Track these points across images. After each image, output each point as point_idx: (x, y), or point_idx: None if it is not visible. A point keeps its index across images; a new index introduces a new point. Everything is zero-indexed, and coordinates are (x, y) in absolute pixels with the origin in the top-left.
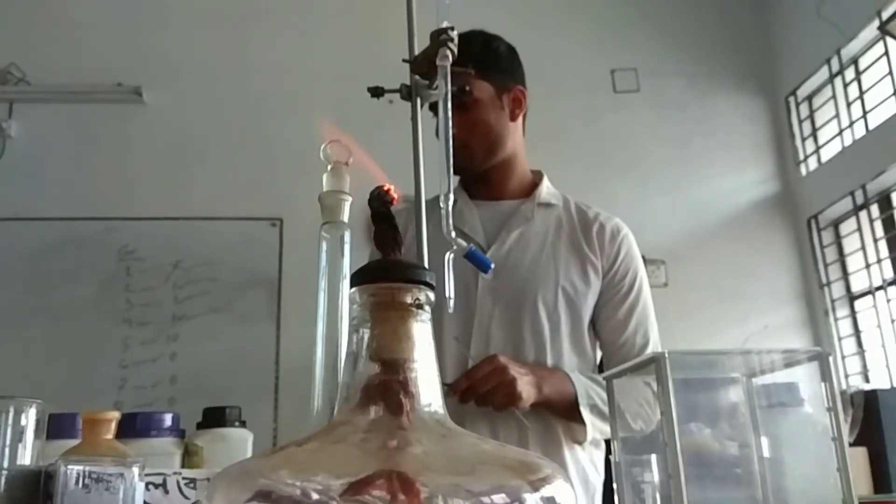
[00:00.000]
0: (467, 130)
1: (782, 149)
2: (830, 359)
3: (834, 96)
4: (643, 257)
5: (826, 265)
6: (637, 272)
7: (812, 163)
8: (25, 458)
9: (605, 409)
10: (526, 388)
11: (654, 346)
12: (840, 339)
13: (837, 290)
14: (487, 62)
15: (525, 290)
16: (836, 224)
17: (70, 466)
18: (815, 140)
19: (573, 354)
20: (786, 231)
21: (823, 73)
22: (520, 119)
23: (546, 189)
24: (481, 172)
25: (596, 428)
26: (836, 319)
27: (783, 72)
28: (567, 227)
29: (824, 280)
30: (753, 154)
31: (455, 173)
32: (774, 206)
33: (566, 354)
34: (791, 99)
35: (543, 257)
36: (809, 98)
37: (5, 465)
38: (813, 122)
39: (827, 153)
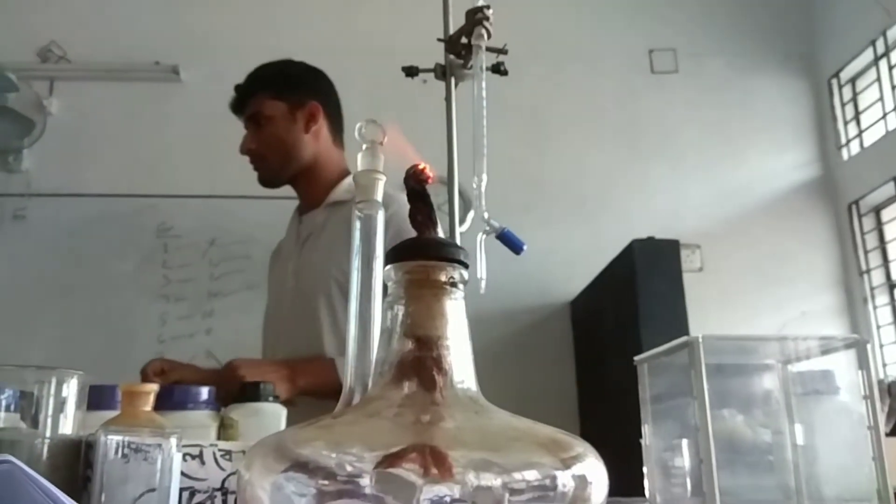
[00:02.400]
0: (263, 145)
1: (823, 132)
2: (868, 346)
3: (878, 79)
4: (677, 241)
5: (866, 252)
6: None
7: (854, 147)
8: (67, 427)
9: None
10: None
11: None
12: (879, 327)
13: (877, 277)
14: (280, 84)
15: (309, 288)
16: (877, 210)
17: (110, 437)
18: (858, 124)
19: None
20: (825, 216)
21: (868, 55)
22: (323, 130)
23: (342, 188)
24: (291, 184)
25: None
26: (874, 307)
27: (826, 53)
28: (348, 221)
29: (864, 267)
30: (794, 137)
31: (260, 184)
32: (814, 190)
33: (328, 338)
34: (834, 81)
35: (324, 256)
36: (853, 80)
37: (48, 434)
38: (856, 105)
39: (870, 137)
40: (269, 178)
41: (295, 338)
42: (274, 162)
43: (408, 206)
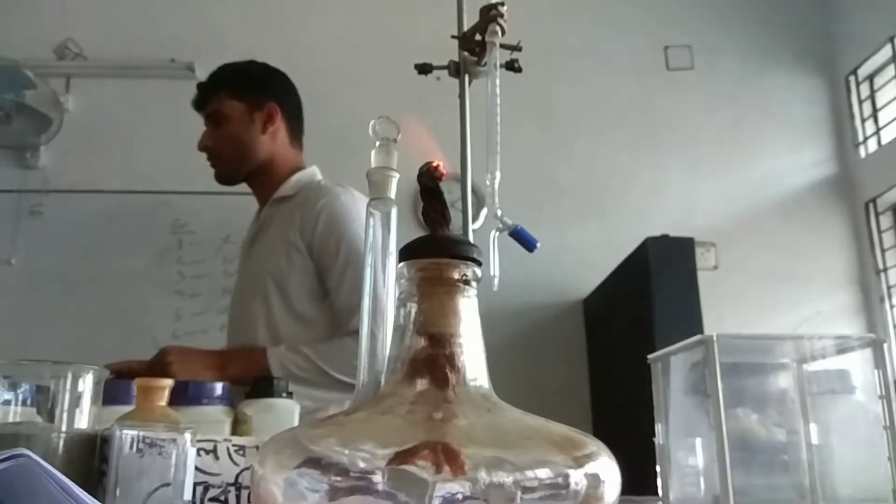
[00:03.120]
0: (220, 143)
1: (840, 130)
2: (885, 346)
3: None
4: (692, 239)
5: (883, 251)
6: (341, 238)
7: (871, 145)
8: (82, 422)
9: (303, 374)
10: (195, 373)
11: None
12: (895, 326)
13: (894, 276)
14: (239, 84)
15: (251, 284)
16: (894, 209)
17: (125, 431)
18: (876, 121)
19: (294, 329)
20: (842, 215)
21: (886, 52)
22: (280, 132)
23: (288, 184)
24: (247, 182)
25: (300, 395)
26: (891, 306)
27: (843, 50)
28: (286, 217)
29: (881, 266)
30: (810, 135)
31: (216, 180)
32: (831, 188)
33: (283, 330)
34: (851, 78)
35: (264, 253)
36: (870, 78)
37: (63, 428)
38: (873, 103)
39: (887, 135)
40: (224, 176)
41: (240, 332)
42: (229, 160)
43: (341, 199)
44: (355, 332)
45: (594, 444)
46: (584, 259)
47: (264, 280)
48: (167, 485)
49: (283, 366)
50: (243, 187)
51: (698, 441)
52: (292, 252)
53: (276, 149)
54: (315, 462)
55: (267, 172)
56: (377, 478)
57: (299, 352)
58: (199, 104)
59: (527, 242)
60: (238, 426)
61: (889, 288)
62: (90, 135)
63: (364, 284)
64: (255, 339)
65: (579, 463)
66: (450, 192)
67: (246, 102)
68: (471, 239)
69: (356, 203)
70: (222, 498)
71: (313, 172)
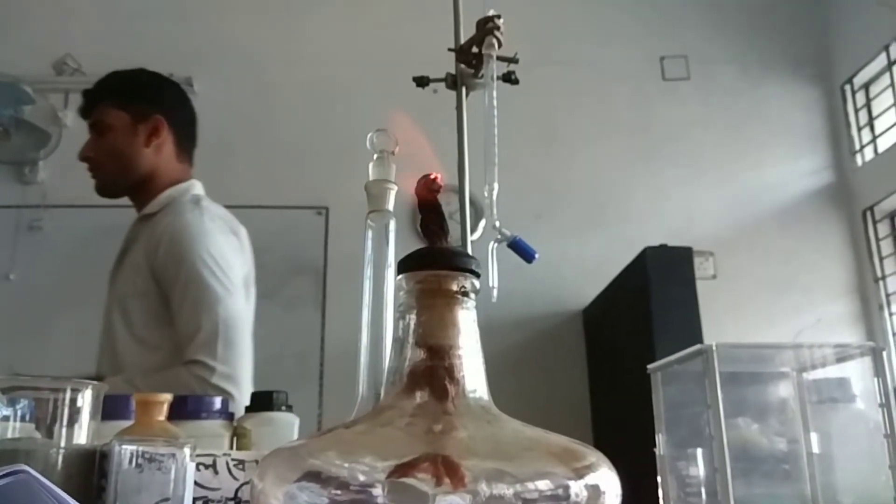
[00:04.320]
0: (101, 154)
1: (837, 138)
2: (884, 354)
3: (892, 85)
4: (690, 249)
5: (881, 258)
6: (181, 260)
7: (868, 153)
8: (81, 437)
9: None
10: None
11: (210, 332)
12: (895, 334)
13: (893, 284)
14: (126, 94)
15: (107, 308)
16: (892, 216)
17: (124, 446)
18: (872, 130)
19: (137, 354)
20: (840, 223)
21: (881, 61)
22: (166, 145)
23: (159, 199)
24: (129, 195)
25: None
26: (890, 314)
27: (839, 59)
28: (145, 236)
29: (879, 274)
30: (807, 144)
31: (96, 192)
32: (828, 196)
33: (126, 357)
34: (847, 87)
35: (121, 274)
36: (866, 86)
37: (62, 443)
38: (870, 112)
39: (884, 143)
40: (104, 187)
41: (102, 347)
42: (109, 172)
43: (186, 218)
44: (193, 363)
45: (594, 455)
46: (583, 269)
47: (112, 304)
48: (166, 500)
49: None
50: (241, 199)
51: (699, 451)
52: (137, 275)
53: (160, 163)
54: (315, 476)
55: (148, 187)
56: (377, 491)
57: (133, 383)
58: (85, 112)
59: (525, 253)
60: (237, 440)
61: (888, 296)
62: None
63: (363, 297)
64: (106, 357)
65: (579, 474)
66: (448, 203)
67: (130, 113)
68: (469, 250)
69: (205, 222)
70: None
71: (187, 188)
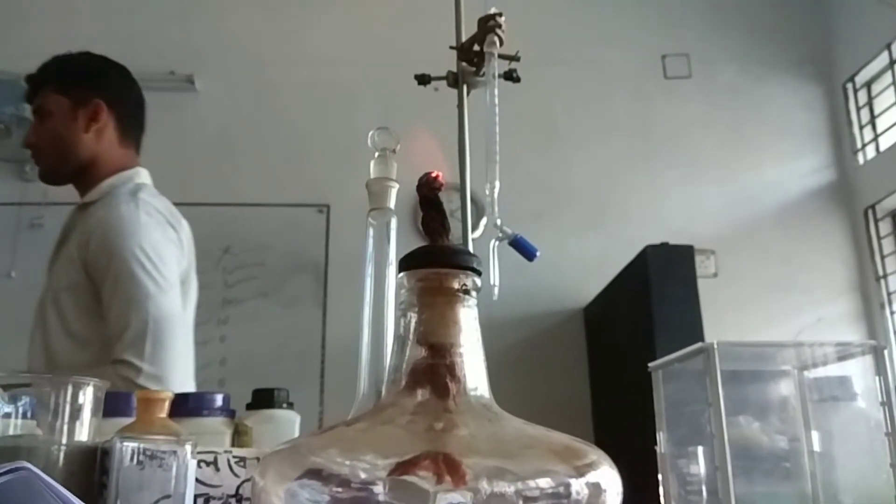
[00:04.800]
0: (43, 139)
1: (839, 137)
2: (885, 352)
3: (894, 83)
4: (692, 247)
5: (883, 257)
6: (112, 253)
7: (870, 151)
8: (83, 434)
9: None
10: None
11: (138, 330)
12: None
13: (894, 282)
14: (66, 79)
15: (41, 300)
16: (893, 215)
17: (125, 443)
18: (874, 128)
19: (70, 351)
20: (841, 221)
21: (883, 59)
22: (107, 130)
23: (99, 188)
24: (73, 182)
25: None
26: (892, 313)
27: (840, 57)
28: (80, 227)
29: (881, 272)
30: (809, 142)
31: (40, 179)
32: (830, 195)
33: (58, 352)
34: (849, 85)
35: (57, 264)
36: (868, 85)
37: (64, 441)
38: (871, 110)
39: (885, 141)
40: (46, 174)
41: (33, 340)
42: (50, 158)
43: (121, 209)
44: (119, 362)
45: (595, 453)
46: (584, 267)
47: (46, 296)
48: (168, 497)
49: None
50: (243, 197)
51: (700, 449)
52: (71, 267)
53: (101, 149)
54: (316, 473)
55: (90, 174)
56: (378, 488)
57: None
58: (29, 97)
59: (526, 251)
60: (238, 437)
61: (889, 294)
62: None
63: (364, 295)
64: (39, 350)
65: (581, 472)
66: (449, 201)
67: (71, 98)
68: (470, 248)
69: (140, 215)
70: None
71: (130, 176)
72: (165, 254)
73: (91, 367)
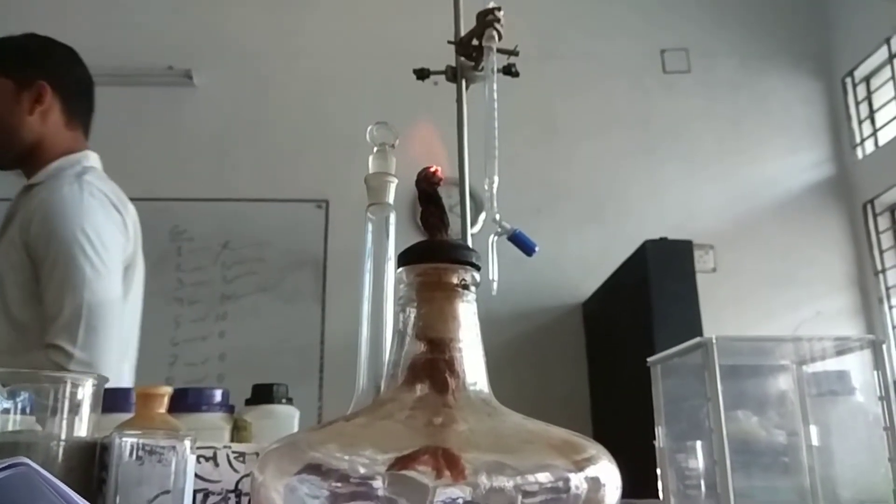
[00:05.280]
0: None
1: (838, 131)
2: (884, 347)
3: (893, 77)
4: (690, 242)
5: (882, 251)
6: (51, 236)
7: (869, 146)
8: (82, 430)
9: None
10: None
11: (72, 315)
12: (894, 327)
13: (893, 277)
14: (8, 61)
15: None
16: (892, 209)
17: (124, 439)
18: (873, 123)
19: (8, 336)
20: (840, 216)
21: (882, 54)
22: (52, 112)
23: (46, 170)
24: (20, 166)
25: None
26: (890, 307)
27: (840, 52)
28: (23, 209)
29: (879, 267)
30: (808, 137)
31: None
32: (829, 190)
33: (3, 332)
34: (848, 80)
35: (1, 247)
36: (867, 79)
37: (63, 436)
38: (870, 104)
39: (884, 136)
40: None
41: None
42: None
43: (63, 192)
44: (51, 347)
45: (594, 448)
46: (583, 263)
47: None
48: (167, 492)
49: None
50: (242, 193)
51: (698, 444)
52: (13, 248)
53: (47, 131)
54: (315, 468)
55: (36, 157)
56: (377, 483)
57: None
58: None
59: (525, 247)
60: (238, 433)
61: (888, 289)
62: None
63: (363, 290)
64: None
65: (580, 466)
66: (448, 196)
67: (14, 80)
68: (469, 244)
69: (84, 197)
70: None
71: (78, 159)
72: (108, 237)
73: (29, 352)
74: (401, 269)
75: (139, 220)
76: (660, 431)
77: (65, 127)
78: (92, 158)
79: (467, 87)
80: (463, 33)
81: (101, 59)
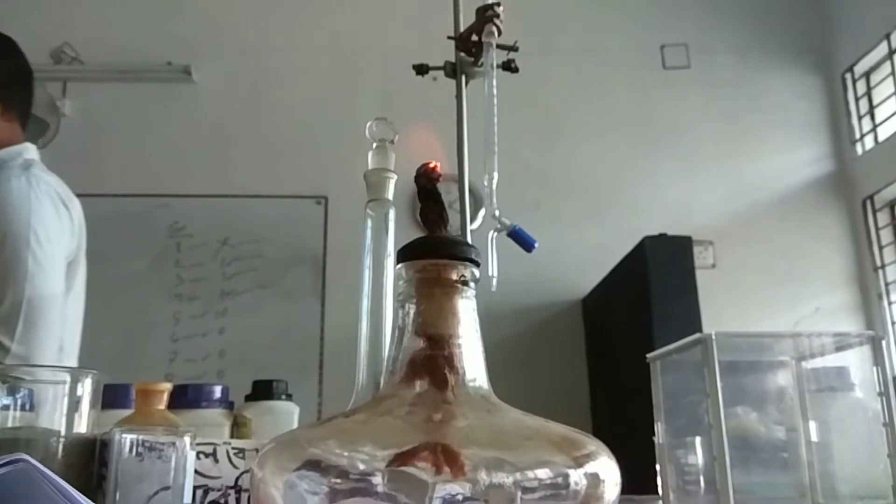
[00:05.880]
0: None
1: (837, 127)
2: (883, 343)
3: (893, 73)
4: (690, 238)
5: (881, 247)
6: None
7: (868, 142)
8: (81, 426)
9: None
10: None
11: (11, 309)
12: (894, 323)
13: (892, 273)
14: None
15: None
16: (892, 205)
17: (124, 435)
18: (872, 118)
19: None
20: (840, 212)
21: (882, 49)
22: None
23: None
24: None
25: None
26: (890, 303)
27: (839, 47)
28: None
29: (878, 263)
30: (807, 132)
31: None
32: (828, 185)
33: None
34: (847, 75)
35: None
36: (867, 75)
37: (63, 432)
38: (870, 100)
39: (884, 132)
40: None
41: None
42: None
43: (10, 184)
44: None
45: (594, 444)
46: (583, 259)
47: None
48: (167, 488)
49: None
50: (241, 189)
51: (698, 440)
52: None
53: None
54: (315, 464)
55: None
56: (377, 479)
57: None
58: None
59: (525, 243)
60: (237, 429)
61: (887, 284)
62: (87, 139)
63: (362, 286)
64: None
65: (579, 463)
66: (448, 192)
67: None
68: (469, 240)
69: (31, 190)
70: (222, 501)
71: (18, 152)
72: (53, 232)
73: None
74: (400, 265)
75: (141, 216)
76: (659, 427)
77: (1, 118)
78: (31, 151)
79: (467, 83)
80: (462, 29)
81: (100, 55)
